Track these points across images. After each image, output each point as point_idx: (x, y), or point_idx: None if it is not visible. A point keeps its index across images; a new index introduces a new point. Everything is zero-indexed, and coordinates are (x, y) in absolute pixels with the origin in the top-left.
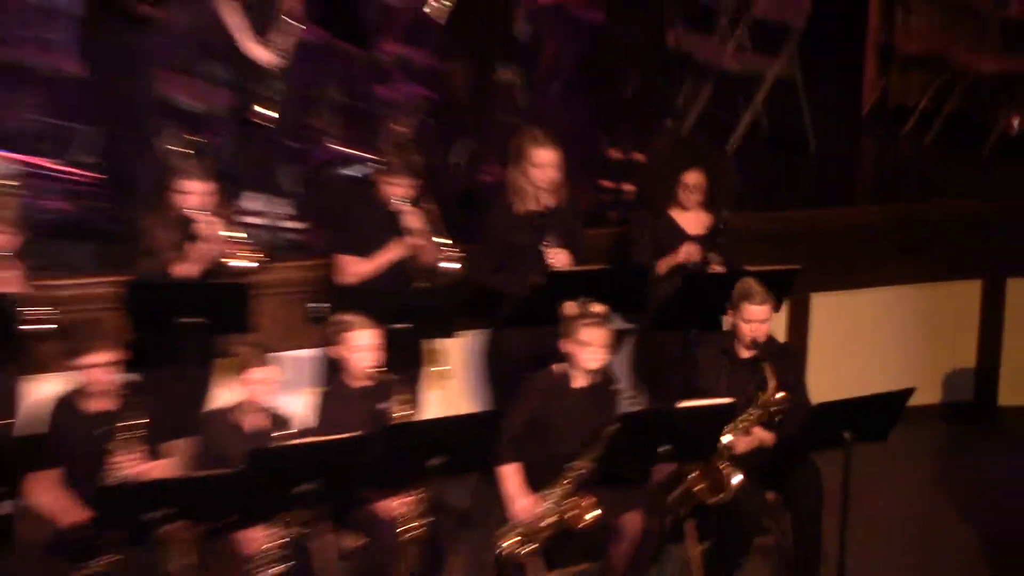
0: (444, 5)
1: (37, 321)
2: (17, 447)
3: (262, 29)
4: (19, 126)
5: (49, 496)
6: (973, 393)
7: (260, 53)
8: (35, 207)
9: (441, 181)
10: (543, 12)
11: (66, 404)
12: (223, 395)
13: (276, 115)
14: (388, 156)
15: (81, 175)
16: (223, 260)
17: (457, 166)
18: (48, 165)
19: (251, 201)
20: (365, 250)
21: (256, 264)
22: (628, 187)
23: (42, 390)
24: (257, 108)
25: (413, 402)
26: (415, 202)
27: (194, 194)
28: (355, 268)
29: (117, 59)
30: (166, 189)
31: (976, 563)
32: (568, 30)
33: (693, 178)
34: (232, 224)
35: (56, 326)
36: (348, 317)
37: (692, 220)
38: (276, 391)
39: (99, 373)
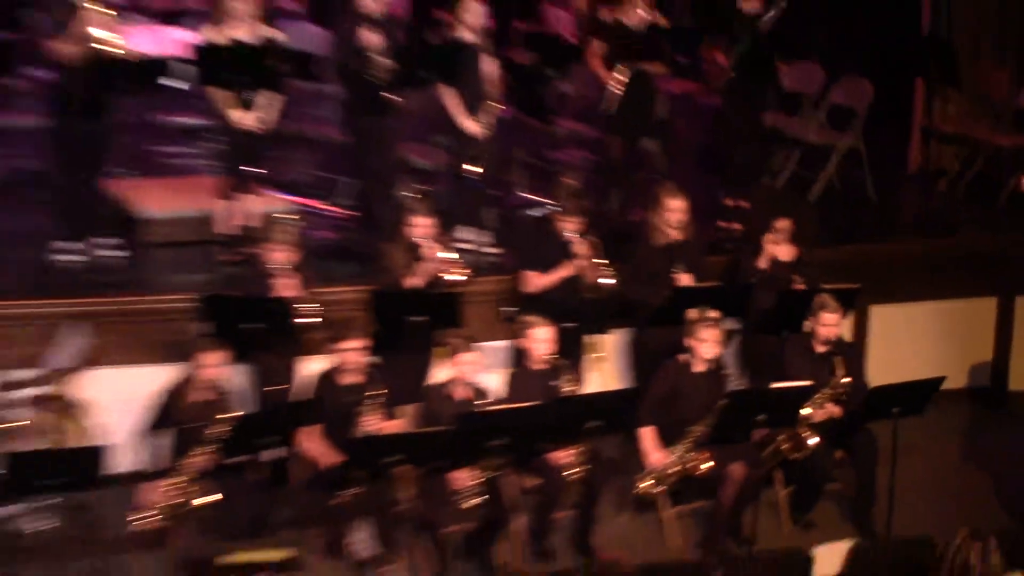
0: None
1: (308, 317)
2: (291, 409)
3: (473, 109)
4: (297, 177)
5: (313, 444)
6: (990, 380)
7: (470, 126)
8: (309, 236)
9: (600, 220)
10: (676, 99)
11: (327, 378)
12: (439, 374)
13: (480, 171)
14: (562, 201)
15: (341, 213)
16: (441, 275)
17: (612, 209)
18: (317, 205)
19: (461, 233)
20: (544, 268)
21: (464, 278)
22: (737, 227)
23: (310, 368)
24: (467, 166)
25: (577, 381)
26: (582, 234)
27: (421, 226)
28: (537, 282)
29: (369, 130)
30: (401, 223)
31: (989, 508)
32: (694, 112)
33: (782, 224)
34: (447, 249)
35: (321, 320)
36: (531, 317)
37: (782, 251)
38: (478, 371)
39: (352, 356)
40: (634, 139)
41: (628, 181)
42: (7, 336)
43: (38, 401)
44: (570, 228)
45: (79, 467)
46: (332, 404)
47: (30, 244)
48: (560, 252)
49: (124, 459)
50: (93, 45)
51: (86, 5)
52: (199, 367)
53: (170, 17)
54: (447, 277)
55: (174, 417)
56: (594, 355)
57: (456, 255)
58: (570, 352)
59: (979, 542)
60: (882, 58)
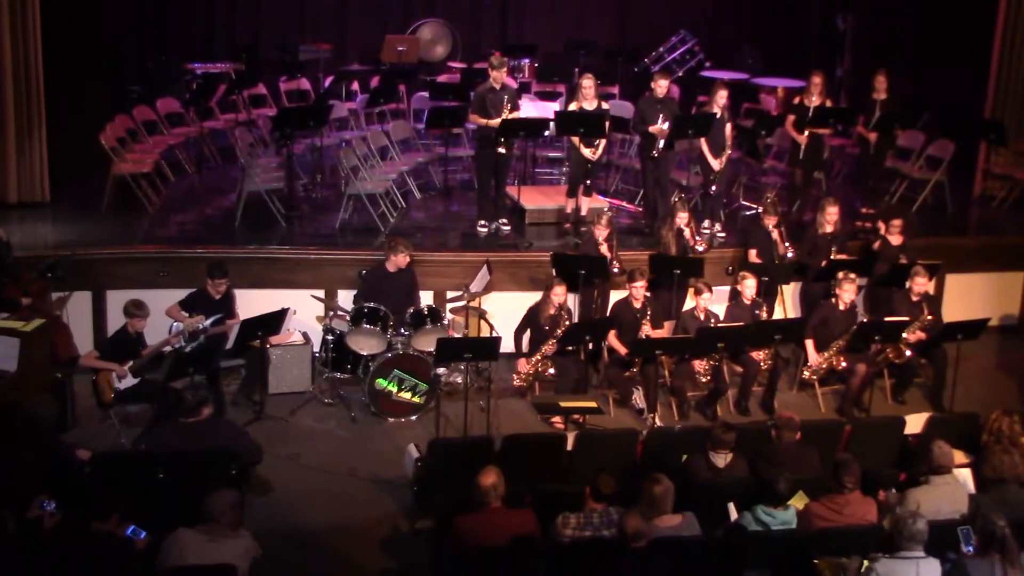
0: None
1: (615, 268)
2: (602, 321)
3: (716, 153)
4: (612, 187)
5: (615, 342)
6: (1017, 321)
7: (715, 164)
8: (618, 221)
9: (789, 219)
10: (835, 148)
11: (623, 304)
12: (688, 304)
13: (716, 188)
14: (766, 206)
15: (636, 209)
16: (692, 246)
17: (795, 212)
18: (623, 204)
19: (705, 223)
20: (758, 246)
21: (703, 249)
22: (868, 224)
23: (614, 297)
24: (711, 187)
25: (769, 312)
26: (778, 227)
27: (681, 218)
28: (754, 258)
29: (656, 161)
30: (670, 216)
31: (1016, 396)
32: (846, 156)
33: (896, 221)
34: (697, 232)
35: (622, 270)
36: (743, 272)
37: (896, 240)
38: (712, 303)
39: (637, 291)
40: (809, 171)
41: (805, 196)
42: (447, 272)
43: (463, 309)
44: (771, 223)
45: (483, 348)
46: (625, 319)
47: (463, 221)
48: (765, 237)
49: (508, 345)
50: (509, 117)
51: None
52: (550, 293)
53: (546, 96)
54: (698, 248)
55: (536, 322)
56: (780, 297)
57: (701, 237)
58: (766, 294)
59: (1008, 417)
60: (960, 128)
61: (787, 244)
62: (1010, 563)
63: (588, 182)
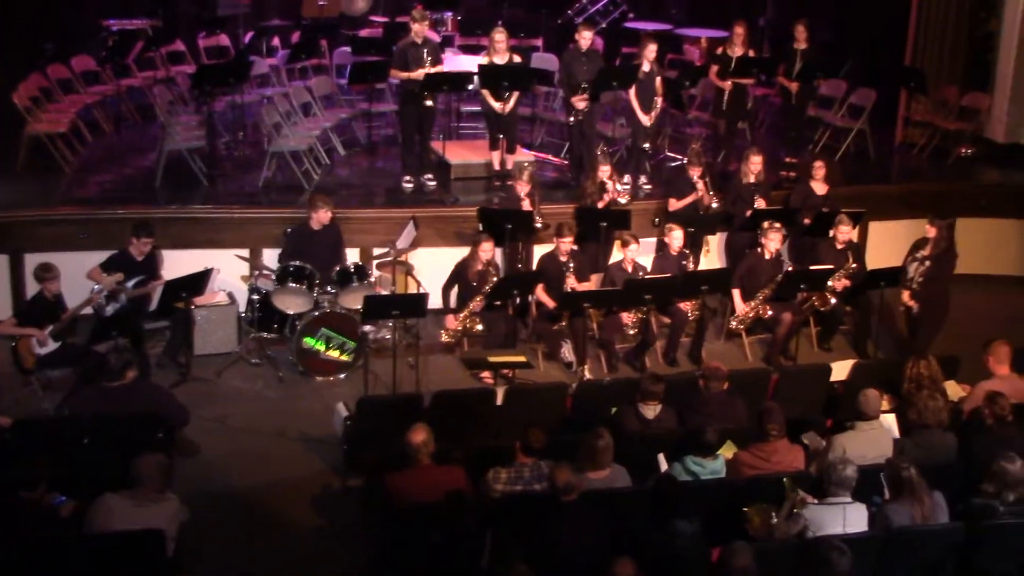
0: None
1: (539, 223)
2: (528, 275)
3: (646, 107)
4: (536, 139)
5: (542, 295)
6: None
7: (644, 119)
8: (542, 175)
9: (713, 168)
10: (758, 99)
11: (549, 257)
12: (615, 256)
13: (649, 146)
14: (691, 157)
15: (561, 162)
16: (616, 199)
17: (719, 162)
18: (547, 157)
19: (626, 179)
20: (680, 197)
21: (625, 201)
22: (791, 174)
23: (540, 251)
24: (642, 144)
25: (696, 262)
26: (702, 177)
27: (605, 172)
28: (676, 205)
29: (580, 114)
30: (595, 170)
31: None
32: (767, 106)
33: (818, 163)
34: (621, 185)
35: (547, 224)
36: (670, 224)
37: (819, 188)
38: (639, 255)
39: (563, 245)
40: (733, 121)
41: (730, 146)
42: (373, 229)
43: (389, 265)
44: (695, 173)
45: (411, 305)
46: (551, 272)
47: (388, 177)
48: (689, 187)
49: (435, 301)
50: (430, 71)
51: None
52: (477, 249)
53: (469, 50)
54: (620, 200)
55: (463, 278)
56: (706, 248)
57: (625, 187)
58: (692, 245)
59: (924, 360)
60: (881, 76)
61: (712, 194)
62: (919, 501)
63: (509, 136)
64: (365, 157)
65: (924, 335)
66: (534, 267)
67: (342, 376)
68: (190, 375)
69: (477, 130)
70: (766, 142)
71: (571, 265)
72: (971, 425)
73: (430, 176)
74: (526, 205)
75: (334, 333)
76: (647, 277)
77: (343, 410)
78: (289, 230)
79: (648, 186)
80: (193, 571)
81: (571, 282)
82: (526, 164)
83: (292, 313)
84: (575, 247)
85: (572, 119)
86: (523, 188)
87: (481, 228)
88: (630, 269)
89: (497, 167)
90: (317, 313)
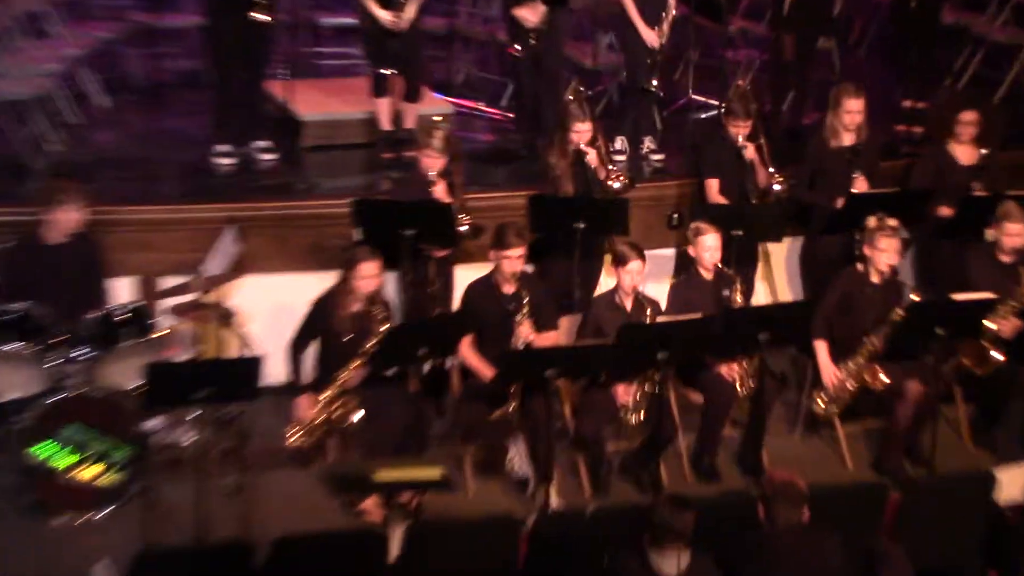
0: None
1: (465, 223)
2: (445, 319)
3: (651, 18)
4: (458, 78)
5: (472, 356)
6: None
7: (650, 37)
8: (470, 138)
9: (773, 123)
10: None
11: (482, 287)
12: (605, 282)
13: (656, 84)
14: (733, 103)
15: (503, 115)
16: (608, 182)
17: (784, 112)
18: (479, 107)
19: (619, 143)
20: (723, 176)
21: (620, 186)
22: (917, 129)
23: (467, 275)
24: (646, 84)
25: (746, 291)
26: (753, 138)
27: (581, 132)
28: (716, 195)
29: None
30: (562, 129)
31: None
32: (871, 10)
33: (968, 116)
34: (607, 155)
35: (478, 227)
36: (698, 223)
37: (965, 153)
38: (643, 280)
39: (508, 264)
40: (808, 37)
41: (802, 81)
42: (162, 242)
43: (191, 308)
44: (741, 132)
45: (233, 378)
46: (486, 314)
47: (188, 147)
48: (732, 158)
49: (276, 371)
50: None
51: None
52: (353, 276)
53: None
54: (612, 184)
55: (328, 327)
56: (764, 266)
57: (619, 159)
58: (739, 261)
59: None
60: None
61: (772, 170)
62: None
63: (408, 72)
64: (143, 110)
65: None
66: (455, 306)
67: (104, 513)
68: None
69: (349, 61)
70: (869, 74)
71: (523, 301)
72: None
73: (264, 143)
74: (439, 193)
75: (88, 435)
76: (661, 320)
77: None
78: (2, 248)
79: (658, 156)
80: None
81: (523, 331)
82: (439, 121)
83: (9, 400)
84: (529, 268)
85: (519, 46)
86: (434, 163)
87: (358, 237)
88: (629, 306)
89: (387, 126)
90: (55, 399)
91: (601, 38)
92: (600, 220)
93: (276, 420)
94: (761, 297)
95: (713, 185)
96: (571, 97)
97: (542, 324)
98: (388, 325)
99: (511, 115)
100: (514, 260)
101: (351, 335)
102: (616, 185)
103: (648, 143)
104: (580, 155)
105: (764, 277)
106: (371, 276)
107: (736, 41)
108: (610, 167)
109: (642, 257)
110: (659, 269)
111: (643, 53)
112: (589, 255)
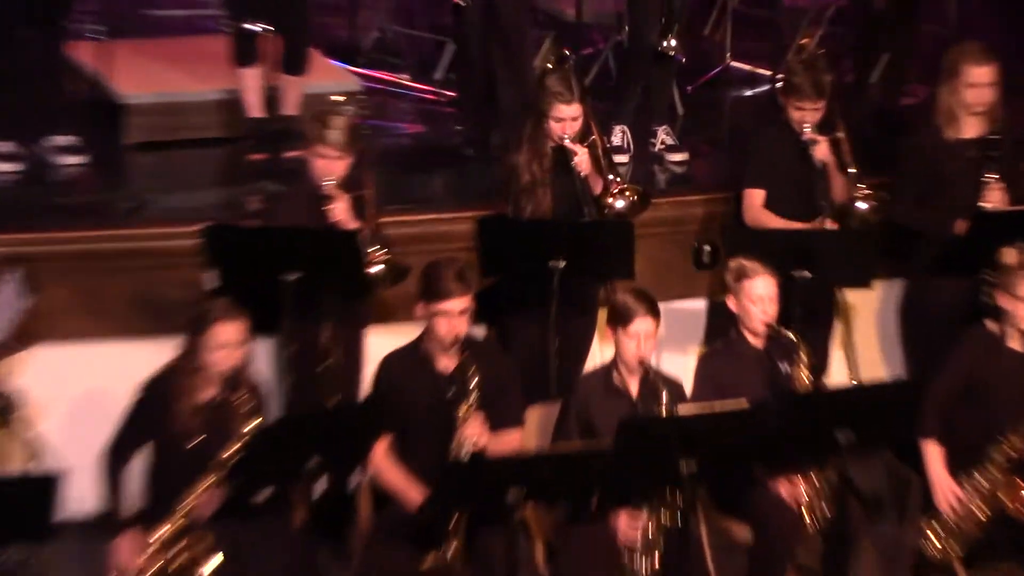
0: None
1: (379, 262)
2: (349, 413)
3: None
4: (368, 39)
5: (390, 469)
6: None
7: None
8: (387, 131)
9: (855, 103)
10: None
11: (406, 358)
12: (599, 352)
13: (675, 46)
14: (794, 74)
15: (438, 95)
16: (602, 198)
17: (874, 86)
18: (402, 83)
19: (619, 136)
20: (775, 186)
21: (624, 204)
22: None
23: (385, 344)
24: (665, 43)
25: (815, 364)
26: (826, 129)
27: (563, 118)
28: (765, 218)
29: None
30: (534, 112)
31: None
32: None
33: None
34: (602, 153)
35: (398, 266)
36: (745, 261)
37: None
38: (656, 348)
39: (445, 324)
40: None
41: (899, 39)
42: None
43: None
44: (807, 119)
45: (13, 508)
46: (413, 403)
47: None
48: (790, 158)
49: (83, 496)
50: None
51: None
52: (203, 345)
53: None
54: (611, 201)
55: (164, 426)
56: (844, 322)
57: (620, 162)
58: (805, 318)
59: None
60: None
61: (855, 176)
62: None
63: (290, 32)
64: None
65: None
66: (364, 390)
67: None
68: None
69: (195, 12)
70: (999, 30)
71: (469, 382)
72: None
73: (65, 140)
74: (339, 214)
75: None
76: (684, 410)
77: None
78: None
79: (679, 156)
80: None
81: (469, 431)
82: (339, 103)
83: None
84: (479, 331)
85: None
86: (331, 167)
87: (212, 285)
88: (635, 389)
89: (256, 111)
90: None
91: None
92: (591, 256)
93: (83, 574)
94: (839, 374)
95: (757, 197)
96: (548, 66)
97: (499, 419)
98: (258, 421)
99: (450, 94)
100: (454, 318)
101: (200, 438)
102: (618, 203)
103: (663, 136)
104: (562, 156)
105: (844, 342)
106: (231, 345)
107: None
108: (611, 177)
109: (655, 313)
110: (681, 331)
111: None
112: (573, 310)
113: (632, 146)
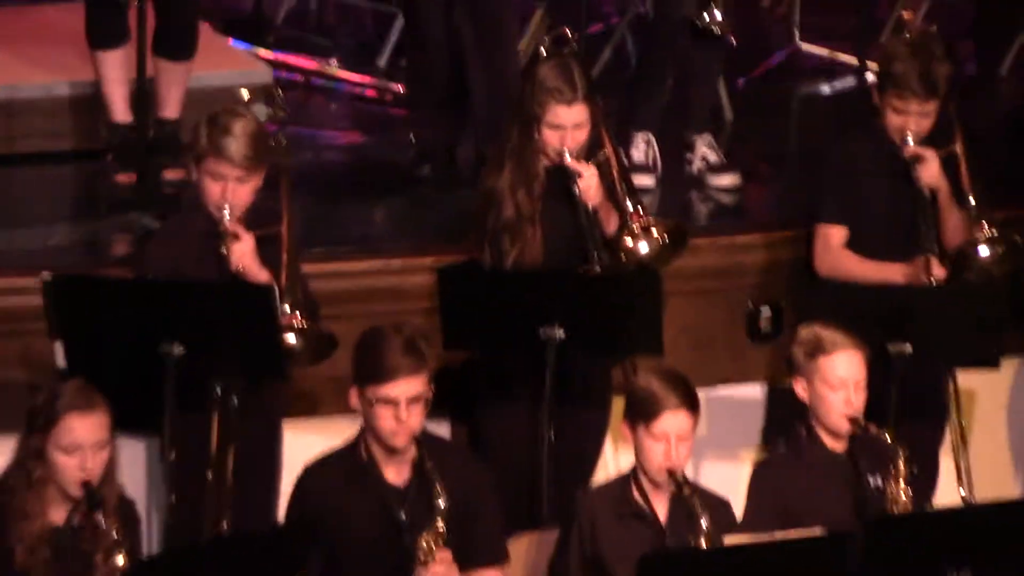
0: None
1: (299, 331)
2: (280, 544)
3: None
4: (281, 9)
5: None
6: None
7: None
8: (310, 140)
9: (979, 105)
10: None
11: (341, 468)
12: (613, 459)
13: (720, 23)
14: (893, 62)
15: (379, 89)
16: (618, 237)
17: (1006, 80)
18: (330, 72)
19: (640, 147)
20: (863, 221)
21: (650, 245)
22: None
23: (307, 445)
24: (702, 20)
25: (920, 473)
26: (938, 142)
27: (568, 127)
28: (853, 266)
29: None
30: (528, 119)
31: None
32: None
33: None
34: (618, 176)
35: (320, 337)
36: (821, 330)
37: None
38: (690, 451)
39: (390, 417)
40: None
41: None
42: None
43: None
44: (912, 126)
45: None
46: (351, 529)
47: None
48: (887, 181)
49: None
50: None
51: None
52: (49, 446)
53: None
54: (629, 241)
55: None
56: (960, 416)
57: (644, 185)
58: (905, 410)
59: None
60: None
61: (973, 203)
62: None
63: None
64: None
65: None
66: (281, 511)
67: None
68: None
69: None
70: None
71: (431, 500)
72: None
73: None
74: (242, 258)
75: None
76: (733, 541)
77: None
78: None
79: (727, 180)
80: None
81: (434, 571)
82: (245, 100)
83: None
84: (441, 427)
85: None
86: (232, 189)
87: (60, 364)
88: (663, 511)
89: (121, 115)
90: None
91: None
92: (600, 322)
93: None
94: (951, 489)
95: (836, 236)
96: (541, 51)
97: (473, 554)
98: (125, 556)
99: (399, 89)
100: (403, 409)
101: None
102: (640, 245)
103: (705, 149)
104: (561, 179)
105: (958, 444)
106: (88, 446)
107: None
108: (630, 207)
109: (692, 404)
110: (730, 429)
111: None
112: (575, 399)
113: (660, 164)
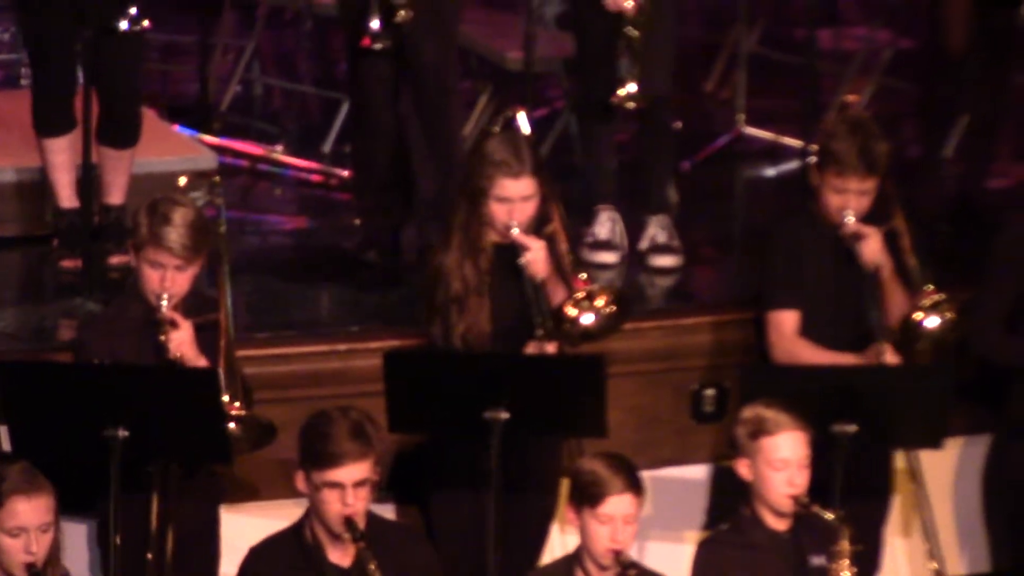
0: None
1: (240, 418)
2: None
3: None
4: (226, 93)
5: None
6: None
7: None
8: (254, 226)
9: (922, 184)
10: None
11: (286, 551)
12: (559, 541)
13: (636, 97)
14: (834, 141)
15: (325, 174)
16: (563, 310)
17: (949, 161)
18: (275, 157)
19: (605, 224)
20: (813, 302)
21: (596, 317)
22: None
23: (251, 529)
24: (621, 91)
25: (866, 556)
26: (879, 218)
27: (516, 200)
28: (805, 352)
29: None
30: (475, 193)
31: None
32: None
33: None
34: (564, 248)
35: (268, 424)
36: (765, 410)
37: None
38: (634, 534)
39: (344, 499)
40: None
41: (985, 96)
42: None
43: None
44: (854, 206)
45: None
46: None
47: None
48: (830, 262)
49: None
50: None
51: None
52: None
53: None
54: (573, 313)
55: None
56: (905, 497)
57: (605, 260)
58: (851, 489)
59: None
60: None
61: (923, 287)
62: None
63: (102, 78)
64: None
65: None
66: None
67: None
68: None
69: None
70: None
71: None
72: None
73: None
74: (181, 346)
75: None
76: None
77: None
78: None
79: (670, 260)
80: None
81: None
82: (185, 186)
83: None
84: (386, 510)
85: (375, 25)
86: (171, 277)
87: (5, 444)
88: None
89: (67, 201)
90: None
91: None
92: (545, 404)
93: None
94: (897, 570)
95: (788, 322)
96: (493, 127)
97: None
98: None
99: (344, 174)
100: (349, 493)
101: None
102: (584, 317)
103: (654, 229)
104: (508, 254)
105: (905, 526)
106: (31, 528)
107: (844, 12)
108: (577, 274)
109: (636, 487)
110: (674, 511)
111: (601, 35)
112: (522, 482)
113: (626, 241)
